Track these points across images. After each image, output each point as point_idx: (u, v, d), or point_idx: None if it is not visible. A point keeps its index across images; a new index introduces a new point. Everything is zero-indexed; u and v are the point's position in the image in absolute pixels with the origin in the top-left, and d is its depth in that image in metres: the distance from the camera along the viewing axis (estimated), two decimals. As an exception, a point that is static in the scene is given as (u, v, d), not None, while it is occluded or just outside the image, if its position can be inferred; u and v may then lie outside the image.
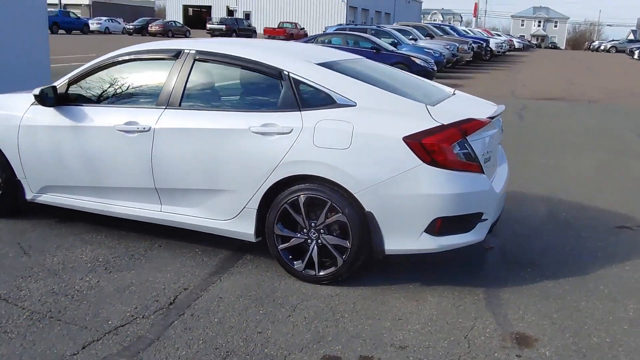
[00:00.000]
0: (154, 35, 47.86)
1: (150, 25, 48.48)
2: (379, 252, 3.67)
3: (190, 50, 4.20)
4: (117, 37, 41.82)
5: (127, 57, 4.39)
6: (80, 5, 78.95)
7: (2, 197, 4.70)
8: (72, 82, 4.48)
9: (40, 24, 10.22)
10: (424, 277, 4.00)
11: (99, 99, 4.42)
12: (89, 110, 4.33)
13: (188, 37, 49.43)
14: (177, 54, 4.24)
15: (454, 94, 4.54)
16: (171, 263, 4.12)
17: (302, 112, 3.77)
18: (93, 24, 49.01)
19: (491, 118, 3.84)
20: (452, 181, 3.54)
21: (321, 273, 3.80)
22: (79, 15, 49.47)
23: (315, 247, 3.77)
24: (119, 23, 51.85)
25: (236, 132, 3.85)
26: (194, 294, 3.68)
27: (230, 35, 40.69)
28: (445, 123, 3.59)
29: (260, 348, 3.10)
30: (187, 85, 4.13)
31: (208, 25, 46.78)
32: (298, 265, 3.84)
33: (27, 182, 4.62)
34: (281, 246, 3.87)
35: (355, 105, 3.72)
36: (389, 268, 4.10)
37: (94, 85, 4.45)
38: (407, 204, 3.55)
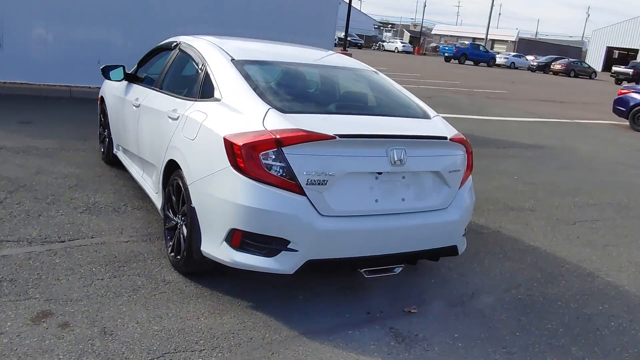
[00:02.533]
0: (555, 73, 46.70)
1: (553, 63, 47.42)
2: (197, 250, 3.48)
3: (180, 42, 4.67)
4: (516, 72, 42.51)
5: (159, 47, 5.13)
6: (507, 41, 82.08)
7: (108, 149, 6.03)
8: (140, 64, 5.47)
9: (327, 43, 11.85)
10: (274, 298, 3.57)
11: (140, 79, 5.29)
12: (133, 87, 5.25)
13: (593, 78, 46.28)
14: (173, 45, 4.78)
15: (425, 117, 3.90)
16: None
17: (195, 101, 3.85)
18: (500, 58, 50.75)
19: (346, 136, 3.15)
20: (252, 193, 3.12)
21: (177, 258, 3.80)
22: (487, 49, 51.93)
23: (180, 232, 3.79)
24: (526, 59, 52.22)
25: (161, 113, 4.18)
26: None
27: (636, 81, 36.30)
28: (269, 129, 3.17)
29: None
30: (168, 71, 4.63)
31: (614, 68, 42.83)
32: (169, 246, 3.93)
33: (112, 139, 5.85)
34: (165, 226, 4.02)
35: (219, 100, 3.62)
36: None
37: (147, 68, 5.35)
38: (214, 206, 3.30)
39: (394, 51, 63.88)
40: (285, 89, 3.81)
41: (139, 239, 4.30)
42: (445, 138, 3.55)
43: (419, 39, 74.29)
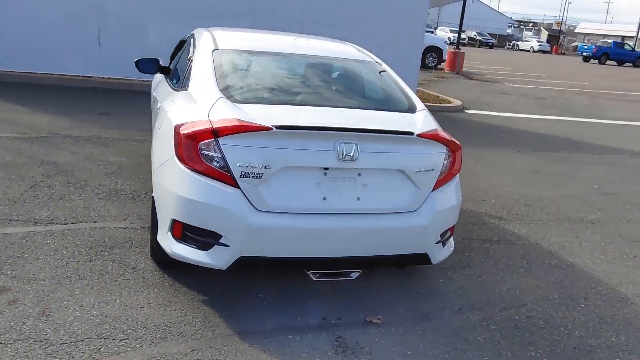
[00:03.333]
0: None
1: None
2: (154, 240, 3.46)
3: (192, 34, 4.70)
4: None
5: (181, 40, 5.21)
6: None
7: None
8: (171, 57, 5.60)
9: (416, 41, 11.45)
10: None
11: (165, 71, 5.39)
12: (161, 79, 5.38)
13: None
14: (187, 38, 4.85)
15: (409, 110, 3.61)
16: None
17: (177, 92, 3.84)
18: (650, 58, 46.04)
19: (286, 127, 2.96)
20: (189, 184, 3.04)
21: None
22: (634, 48, 47.27)
23: None
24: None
25: (158, 104, 4.23)
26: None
27: None
28: (211, 119, 3.06)
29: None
30: (177, 63, 4.71)
31: None
32: None
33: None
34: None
35: (186, 90, 3.58)
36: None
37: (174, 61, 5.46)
38: (162, 195, 3.26)
39: (529, 50, 60.45)
40: (254, 78, 3.66)
41: (138, 226, 4.39)
42: (410, 134, 3.20)
43: (558, 38, 69.60)
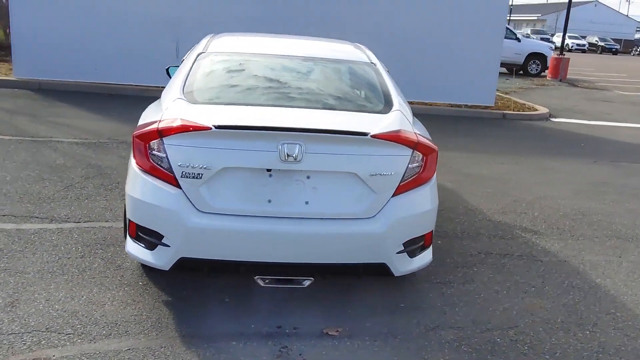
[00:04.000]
0: None
1: None
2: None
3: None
4: None
5: None
6: None
7: None
8: None
9: (493, 48, 10.91)
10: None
11: None
12: None
13: None
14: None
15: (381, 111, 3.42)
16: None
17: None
18: None
19: (226, 127, 2.89)
20: (138, 184, 3.08)
21: None
22: None
23: None
24: None
25: None
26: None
27: None
28: (162, 119, 3.08)
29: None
30: None
31: None
32: None
33: None
34: None
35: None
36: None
37: None
38: (125, 196, 3.31)
39: (659, 56, 55.39)
40: (225, 80, 3.63)
41: (144, 227, 4.50)
42: (363, 134, 2.99)
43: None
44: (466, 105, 11.17)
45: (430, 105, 11.12)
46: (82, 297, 3.38)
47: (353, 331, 3.19)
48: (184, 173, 2.92)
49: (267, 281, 3.08)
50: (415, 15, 10.78)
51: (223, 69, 3.74)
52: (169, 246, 2.98)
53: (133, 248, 3.17)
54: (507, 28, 21.35)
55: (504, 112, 11.12)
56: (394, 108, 3.40)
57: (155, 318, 3.20)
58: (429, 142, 3.23)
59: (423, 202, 3.21)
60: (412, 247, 3.22)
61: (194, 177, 2.91)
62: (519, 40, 20.73)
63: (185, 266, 3.04)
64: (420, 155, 3.16)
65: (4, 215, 4.53)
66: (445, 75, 10.95)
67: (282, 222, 2.97)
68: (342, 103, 3.48)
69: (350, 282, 3.69)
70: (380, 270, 3.14)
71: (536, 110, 11.73)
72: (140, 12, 10.53)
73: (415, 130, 3.25)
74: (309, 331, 3.16)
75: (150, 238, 3.05)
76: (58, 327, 3.05)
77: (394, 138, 3.04)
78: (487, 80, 11.05)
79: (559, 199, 5.95)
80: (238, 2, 10.68)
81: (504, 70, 20.27)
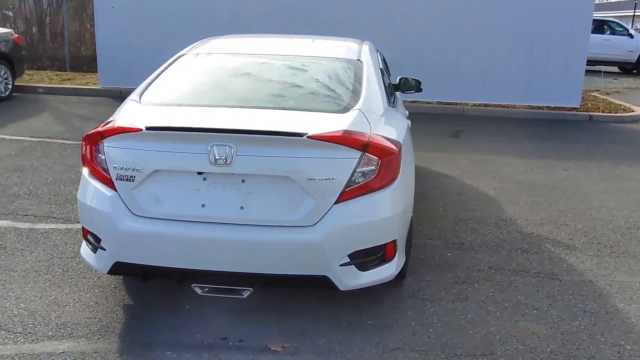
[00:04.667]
0: None
1: None
2: None
3: None
4: None
5: None
6: None
7: None
8: None
9: (577, 46, 10.01)
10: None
11: None
12: None
13: None
14: None
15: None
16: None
17: None
18: None
19: (154, 128, 2.81)
20: (84, 186, 3.08)
21: None
22: None
23: None
24: None
25: None
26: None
27: None
28: (109, 121, 3.06)
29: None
30: None
31: None
32: None
33: None
34: None
35: None
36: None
37: None
38: None
39: None
40: (190, 80, 3.54)
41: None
42: (300, 135, 2.75)
43: None
44: (548, 107, 10.32)
45: (507, 107, 10.42)
46: (51, 297, 3.43)
47: (301, 348, 2.96)
48: (118, 175, 2.87)
49: (205, 290, 2.94)
50: (491, 9, 10.11)
51: (195, 70, 3.66)
52: (105, 250, 2.94)
53: (83, 250, 3.17)
54: (618, 23, 19.61)
55: (591, 113, 10.15)
56: (355, 107, 3.13)
57: (107, 322, 3.16)
58: (386, 144, 2.92)
59: (378, 209, 2.91)
60: (363, 259, 2.93)
61: (127, 179, 2.85)
62: (631, 36, 18.94)
63: (121, 271, 2.98)
64: (374, 159, 2.86)
65: (26, 215, 4.76)
66: (524, 75, 10.18)
67: (215, 227, 2.82)
68: (299, 102, 3.26)
69: (321, 293, 3.45)
70: (322, 284, 2.88)
71: (632, 111, 10.60)
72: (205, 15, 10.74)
73: (373, 132, 2.96)
74: (254, 345, 2.97)
75: (93, 240, 3.03)
76: (10, 326, 3.10)
77: (335, 139, 2.78)
78: (572, 79, 10.13)
79: (615, 211, 5.26)
80: None
81: (614, 69, 18.66)
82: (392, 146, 2.94)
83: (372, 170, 2.86)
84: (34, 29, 15.65)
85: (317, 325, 3.18)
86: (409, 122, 4.25)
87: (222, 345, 2.96)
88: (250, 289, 2.92)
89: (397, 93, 5.17)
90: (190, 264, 2.86)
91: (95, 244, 3.01)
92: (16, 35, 10.64)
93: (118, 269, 2.95)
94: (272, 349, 2.94)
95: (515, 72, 10.20)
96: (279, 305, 3.35)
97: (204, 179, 2.82)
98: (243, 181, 2.81)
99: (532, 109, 10.42)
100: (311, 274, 2.84)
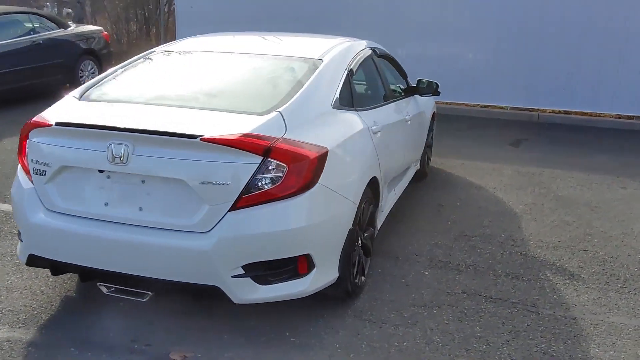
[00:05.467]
0: None
1: None
2: None
3: None
4: None
5: None
6: None
7: None
8: None
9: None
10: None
11: None
12: None
13: None
14: None
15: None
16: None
17: None
18: None
19: (63, 124, 2.81)
20: (16, 178, 3.16)
21: None
22: None
23: None
24: None
25: None
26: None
27: None
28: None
29: None
30: None
31: None
32: None
33: None
34: None
35: None
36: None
37: None
38: None
39: None
40: (137, 77, 3.51)
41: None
42: (193, 137, 2.61)
43: None
44: (638, 117, 9.25)
45: (591, 115, 9.47)
46: (8, 281, 3.57)
47: (208, 356, 2.83)
48: (34, 169, 2.91)
49: (111, 289, 2.90)
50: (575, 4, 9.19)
51: (149, 67, 3.64)
52: (23, 241, 3.00)
53: (18, 245, 3.25)
54: None
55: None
56: (279, 109, 2.93)
57: (37, 312, 3.23)
58: (297, 150, 2.70)
59: (283, 218, 2.70)
60: (263, 272, 2.73)
61: (40, 173, 2.88)
62: None
63: (36, 264, 3.02)
64: (281, 165, 2.66)
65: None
66: (613, 80, 9.16)
67: (115, 227, 2.77)
68: (227, 103, 3.12)
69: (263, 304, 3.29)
70: (215, 294, 2.73)
71: None
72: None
73: (289, 136, 2.76)
74: (157, 351, 2.89)
75: (18, 231, 3.10)
76: (-44, 309, 3.26)
77: (230, 143, 2.61)
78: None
79: (656, 238, 4.56)
80: None
81: None
82: (306, 152, 2.72)
83: (278, 177, 2.66)
84: (126, 27, 16.63)
85: (233, 337, 3.03)
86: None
87: (125, 347, 2.91)
88: (149, 293, 2.84)
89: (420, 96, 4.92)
90: (93, 262, 2.84)
91: (18, 234, 3.08)
92: (105, 32, 11.36)
93: (33, 261, 3.00)
94: (171, 357, 2.83)
95: (603, 78, 9.22)
96: (206, 310, 3.23)
97: (108, 177, 2.78)
98: (143, 182, 2.73)
99: (620, 118, 9.39)
100: (202, 283, 2.70)
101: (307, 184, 2.73)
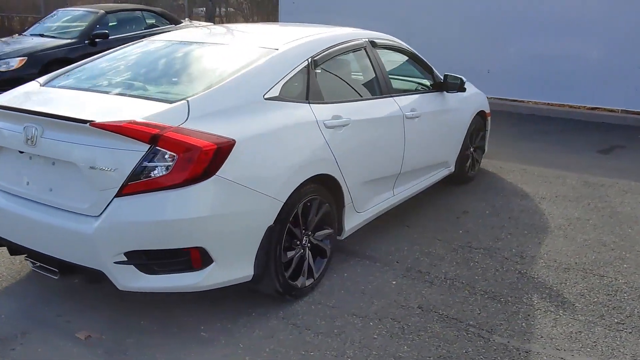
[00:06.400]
0: None
1: None
2: None
3: None
4: None
5: None
6: None
7: None
8: None
9: None
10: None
11: None
12: None
13: None
14: None
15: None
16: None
17: None
18: None
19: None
20: None
21: None
22: None
23: None
24: None
25: None
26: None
27: None
28: None
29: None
30: None
31: None
32: None
33: None
34: None
35: None
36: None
37: None
38: None
39: None
40: (102, 64, 3.63)
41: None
42: (84, 122, 2.64)
43: None
44: None
45: None
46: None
47: (105, 343, 2.87)
48: None
49: (36, 265, 3.04)
50: None
51: (115, 56, 3.75)
52: None
53: None
54: None
55: None
56: (190, 97, 2.87)
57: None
58: (189, 140, 2.62)
59: (170, 208, 2.63)
60: (148, 261, 2.69)
61: None
62: None
63: None
64: (172, 154, 2.62)
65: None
66: None
67: (31, 206, 2.90)
68: (150, 90, 3.13)
69: (203, 294, 3.25)
70: (103, 278, 2.74)
71: None
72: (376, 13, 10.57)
73: (189, 125, 2.70)
74: (71, 327, 2.99)
75: None
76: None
77: (117, 129, 2.61)
78: None
79: None
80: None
81: None
82: (200, 142, 2.64)
83: (167, 166, 2.62)
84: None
85: (148, 324, 3.04)
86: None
87: (44, 322, 3.03)
88: (56, 270, 2.92)
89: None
90: (15, 238, 3.00)
91: None
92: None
93: None
94: (76, 335, 2.92)
95: None
96: (136, 296, 3.24)
97: (30, 157, 2.93)
98: (53, 164, 2.84)
99: None
100: (90, 267, 2.74)
101: (200, 175, 2.65)
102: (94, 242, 2.68)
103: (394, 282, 3.57)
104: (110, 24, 10.02)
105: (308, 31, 3.85)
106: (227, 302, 3.24)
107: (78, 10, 10.37)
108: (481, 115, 5.52)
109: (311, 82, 3.40)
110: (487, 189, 5.39)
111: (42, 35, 9.50)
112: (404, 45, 4.62)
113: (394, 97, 4.09)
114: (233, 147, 2.75)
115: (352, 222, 3.70)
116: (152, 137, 2.61)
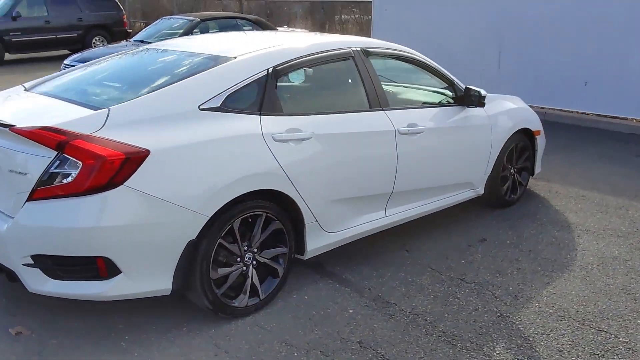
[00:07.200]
0: None
1: None
2: None
3: None
4: None
5: None
6: None
7: None
8: None
9: None
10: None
11: None
12: None
13: None
14: None
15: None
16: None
17: None
18: None
19: None
20: None
21: None
22: None
23: None
24: None
25: None
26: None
27: None
28: None
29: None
30: None
31: None
32: None
33: None
34: None
35: None
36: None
37: None
38: None
39: None
40: (83, 71, 3.72)
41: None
42: (6, 126, 2.72)
43: None
44: None
45: None
46: None
47: (33, 338, 2.95)
48: None
49: None
50: None
51: (105, 60, 3.85)
52: None
53: None
54: None
55: None
56: (115, 105, 2.86)
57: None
58: (94, 148, 2.60)
59: (71, 216, 2.62)
60: (53, 266, 2.70)
61: None
62: None
63: None
64: (77, 162, 2.62)
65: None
66: None
67: None
68: (94, 97, 3.19)
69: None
70: (15, 279, 2.81)
71: None
72: (462, 22, 10.02)
73: (103, 134, 2.69)
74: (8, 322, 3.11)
75: None
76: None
77: (28, 135, 2.66)
78: None
79: None
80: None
81: None
82: (106, 151, 2.61)
83: (72, 173, 2.63)
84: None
85: (78, 326, 3.06)
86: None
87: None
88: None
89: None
90: None
91: None
92: (310, 35, 12.08)
93: None
94: (9, 330, 3.04)
95: None
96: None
97: None
98: None
99: None
100: (5, 266, 2.82)
101: (105, 185, 2.62)
102: (4, 242, 2.76)
103: (350, 311, 3.30)
104: (210, 31, 10.51)
105: (283, 40, 3.70)
106: (175, 312, 3.20)
107: (178, 18, 10.99)
108: (525, 132, 4.96)
109: (267, 93, 3.24)
110: (525, 215, 4.83)
111: (142, 42, 10.18)
112: (416, 54, 4.27)
113: (386, 111, 3.79)
114: (146, 158, 2.69)
115: (318, 242, 3.48)
116: (58, 144, 2.63)
